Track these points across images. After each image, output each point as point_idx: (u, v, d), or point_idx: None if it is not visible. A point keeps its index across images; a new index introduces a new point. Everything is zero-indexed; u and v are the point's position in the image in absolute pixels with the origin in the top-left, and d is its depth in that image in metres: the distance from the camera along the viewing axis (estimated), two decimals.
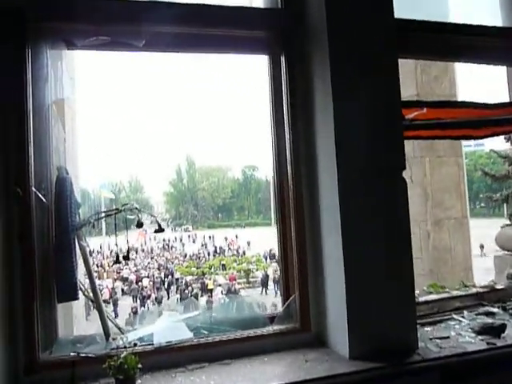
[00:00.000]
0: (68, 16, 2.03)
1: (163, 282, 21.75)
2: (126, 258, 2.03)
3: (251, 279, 22.91)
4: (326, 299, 2.20)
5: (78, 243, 2.05)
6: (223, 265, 24.80)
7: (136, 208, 1.98)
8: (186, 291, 19.17)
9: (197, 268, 23.83)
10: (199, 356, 2.06)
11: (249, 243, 31.26)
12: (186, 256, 28.49)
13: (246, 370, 1.98)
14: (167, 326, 2.15)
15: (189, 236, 36.20)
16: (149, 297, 18.83)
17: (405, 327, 2.10)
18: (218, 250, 30.15)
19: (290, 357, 2.11)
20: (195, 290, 19.44)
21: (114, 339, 2.00)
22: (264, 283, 20.87)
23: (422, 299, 2.63)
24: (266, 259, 26.48)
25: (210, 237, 34.37)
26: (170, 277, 22.04)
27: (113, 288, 18.75)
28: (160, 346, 2.03)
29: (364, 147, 2.07)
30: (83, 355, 1.95)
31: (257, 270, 23.47)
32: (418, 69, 5.73)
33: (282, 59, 2.33)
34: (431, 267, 5.92)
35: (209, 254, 29.71)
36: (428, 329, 2.39)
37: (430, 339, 2.23)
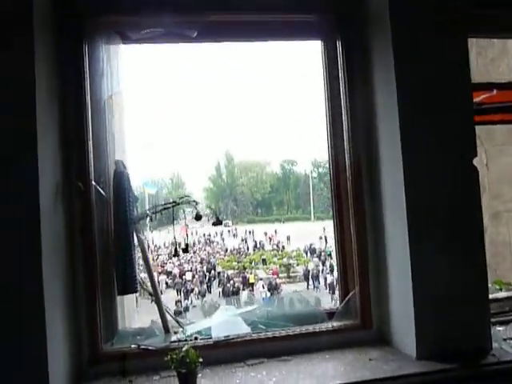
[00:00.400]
0: (123, 9, 2.03)
1: (205, 276, 22.09)
2: (185, 250, 2.01)
3: (292, 274, 22.79)
4: (390, 295, 2.09)
5: (137, 236, 2.05)
6: (263, 259, 24.82)
7: (194, 201, 1.96)
8: (228, 285, 19.38)
9: (238, 262, 24.00)
10: (257, 351, 2.02)
11: (288, 238, 31.11)
12: (226, 251, 28.79)
13: (307, 367, 1.92)
14: (225, 320, 2.12)
15: (229, 231, 36.53)
16: (192, 290, 19.18)
17: (477, 326, 1.96)
18: (258, 245, 30.21)
19: (351, 355, 2.02)
20: (237, 284, 19.61)
21: (175, 332, 2.00)
22: (307, 278, 20.73)
23: (491, 296, 2.45)
24: (307, 254, 26.24)
25: (249, 232, 34.50)
26: (212, 271, 22.35)
27: (157, 281, 19.19)
28: (218, 340, 2.00)
29: (432, 133, 1.94)
30: (143, 347, 1.96)
31: (297, 264, 23.32)
32: (473, 51, 5.34)
33: (338, 45, 2.23)
34: (489, 263, 5.56)
35: (248, 249, 29.84)
36: (500, 328, 2.22)
37: (504, 340, 2.06)
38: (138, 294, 2.41)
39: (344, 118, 2.19)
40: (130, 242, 2.02)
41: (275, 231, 34.37)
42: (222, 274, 22.06)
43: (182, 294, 18.71)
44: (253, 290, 19.27)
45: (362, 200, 2.16)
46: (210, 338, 2.03)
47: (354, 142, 2.17)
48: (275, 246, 29.66)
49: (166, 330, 2.05)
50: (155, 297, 2.06)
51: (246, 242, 31.73)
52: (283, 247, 29.45)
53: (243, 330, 2.07)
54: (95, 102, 2.07)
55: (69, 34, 1.98)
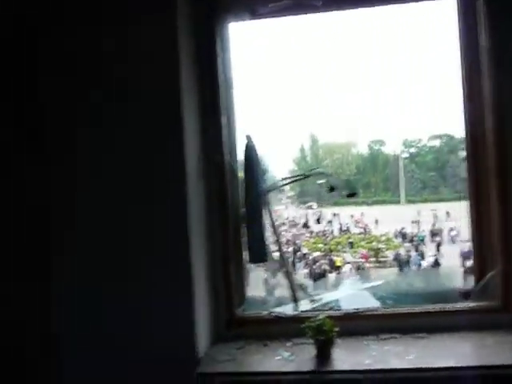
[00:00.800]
0: None
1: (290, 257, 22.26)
2: (318, 222, 2.02)
3: (381, 259, 22.01)
4: None
5: (266, 208, 2.11)
6: (350, 243, 24.27)
7: (324, 173, 1.96)
8: (314, 267, 19.39)
9: (324, 245, 23.77)
10: (388, 326, 1.98)
11: (376, 221, 29.98)
12: (312, 233, 28.69)
13: (444, 346, 1.83)
14: (352, 293, 2.12)
15: (313, 213, 36.34)
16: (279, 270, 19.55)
17: None
18: (344, 228, 29.60)
19: (491, 337, 1.88)
20: (323, 267, 19.51)
21: (312, 301, 2.05)
22: (399, 264, 19.95)
23: None
24: (396, 238, 25.10)
25: (334, 214, 33.93)
26: (298, 252, 22.51)
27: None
28: (348, 313, 2.00)
29: None
30: (275, 315, 2.04)
31: (386, 249, 22.42)
32: None
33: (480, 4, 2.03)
34: None
35: (332, 232, 29.30)
36: None
37: None
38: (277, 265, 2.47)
39: (486, 84, 2.00)
40: (261, 213, 2.09)
41: (361, 214, 33.30)
42: (307, 256, 22.07)
43: (270, 273, 19.16)
44: (340, 273, 19.03)
45: (506, 174, 1.97)
46: (339, 309, 2.04)
47: (498, 110, 1.97)
48: (362, 230, 28.83)
49: (295, 299, 2.10)
50: (285, 267, 2.12)
51: (331, 224, 31.25)
52: (370, 231, 28.44)
53: (372, 304, 2.05)
54: (225, 79, 2.16)
55: (201, 11, 2.06)
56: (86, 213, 1.88)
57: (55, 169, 1.90)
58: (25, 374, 1.90)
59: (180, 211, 1.80)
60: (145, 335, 1.81)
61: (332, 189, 1.92)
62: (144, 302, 1.81)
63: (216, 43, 2.08)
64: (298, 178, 2.05)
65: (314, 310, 2.04)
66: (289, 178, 2.10)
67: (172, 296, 1.80)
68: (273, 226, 2.13)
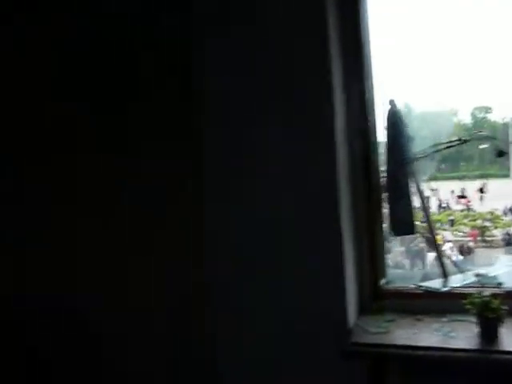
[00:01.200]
0: None
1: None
2: (482, 191, 1.86)
3: (487, 238, 20.24)
4: None
5: (413, 178, 2.00)
6: (451, 220, 22.66)
7: (489, 136, 1.77)
8: (412, 244, 18.52)
9: (421, 222, 22.54)
10: None
11: (481, 197, 27.48)
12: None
13: None
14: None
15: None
16: None
17: None
18: (444, 204, 27.67)
19: None
20: (421, 245, 18.56)
21: (472, 274, 1.91)
22: (508, 243, 18.18)
23: None
24: (506, 216, 22.80)
25: (432, 189, 31.79)
26: None
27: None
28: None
29: None
30: (425, 289, 1.94)
31: (495, 227, 20.51)
32: None
33: None
34: None
35: (428, 209, 27.53)
36: None
37: None
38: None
39: None
40: (407, 183, 1.98)
41: (463, 189, 30.73)
42: None
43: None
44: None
45: None
46: (498, 287, 1.87)
47: None
48: (465, 206, 26.68)
49: (445, 274, 1.98)
50: (433, 241, 2.00)
51: (428, 200, 29.41)
52: (474, 207, 26.21)
53: None
54: (365, 44, 2.05)
55: None
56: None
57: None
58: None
59: (329, 180, 1.78)
60: (299, 304, 1.84)
61: (501, 153, 1.72)
62: (297, 272, 1.84)
63: (359, 8, 1.97)
64: (454, 143, 1.88)
65: (467, 286, 1.90)
66: (442, 143, 1.94)
67: (323, 264, 1.81)
68: (421, 197, 2.00)
